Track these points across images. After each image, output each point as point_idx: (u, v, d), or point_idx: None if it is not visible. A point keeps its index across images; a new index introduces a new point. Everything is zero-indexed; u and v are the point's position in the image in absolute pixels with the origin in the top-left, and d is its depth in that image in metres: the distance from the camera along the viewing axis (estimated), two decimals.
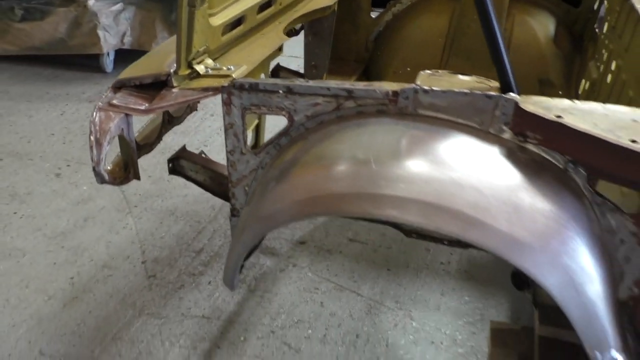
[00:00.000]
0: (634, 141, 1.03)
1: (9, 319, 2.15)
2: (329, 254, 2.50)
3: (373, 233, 2.61)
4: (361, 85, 1.27)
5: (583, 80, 2.12)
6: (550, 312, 1.43)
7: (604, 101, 1.17)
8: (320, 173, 1.18)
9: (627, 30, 1.70)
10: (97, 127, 1.38)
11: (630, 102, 1.52)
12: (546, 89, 2.24)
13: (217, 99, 1.40)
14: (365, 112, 1.27)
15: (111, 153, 1.44)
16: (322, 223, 2.69)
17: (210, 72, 1.48)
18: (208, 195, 1.84)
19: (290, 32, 2.07)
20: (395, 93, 1.23)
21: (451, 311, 2.20)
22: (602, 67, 1.90)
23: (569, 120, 1.08)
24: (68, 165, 3.21)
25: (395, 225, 1.72)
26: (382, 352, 2.03)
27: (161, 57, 1.53)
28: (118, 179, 1.51)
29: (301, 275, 2.38)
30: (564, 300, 1.02)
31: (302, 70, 2.47)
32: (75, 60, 4.53)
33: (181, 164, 1.81)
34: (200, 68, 1.47)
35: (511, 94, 1.16)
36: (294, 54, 2.82)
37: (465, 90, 1.17)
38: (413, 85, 1.21)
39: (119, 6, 4.29)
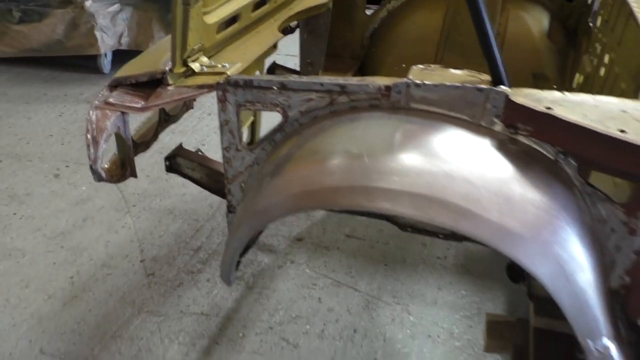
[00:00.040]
0: (622, 131, 1.04)
1: (9, 319, 2.17)
2: (326, 250, 2.52)
3: (370, 229, 2.62)
4: (354, 80, 1.28)
5: (577, 74, 2.13)
6: (545, 303, 1.44)
7: (598, 94, 1.18)
8: (314, 167, 1.20)
9: (619, 24, 1.71)
10: (94, 126, 1.39)
11: (622, 95, 1.53)
12: (540, 83, 2.25)
13: (214, 98, 1.41)
14: (359, 107, 1.28)
15: (108, 151, 1.46)
16: (319, 220, 2.71)
17: (205, 69, 1.49)
18: (206, 193, 1.85)
19: (286, 30, 2.08)
20: (388, 87, 1.24)
21: (448, 305, 2.21)
22: (595, 61, 1.91)
23: (559, 112, 1.10)
24: (67, 166, 3.23)
25: (390, 219, 1.73)
26: (380, 346, 2.04)
27: (157, 55, 1.54)
28: (115, 176, 1.53)
29: (299, 271, 2.40)
30: (556, 290, 1.04)
31: (298, 69, 2.48)
32: (73, 62, 4.53)
33: (178, 161, 1.82)
34: (195, 66, 1.49)
35: (502, 86, 1.17)
36: (290, 52, 2.82)
37: (457, 84, 1.18)
38: (405, 79, 1.22)
39: (116, 7, 4.30)
